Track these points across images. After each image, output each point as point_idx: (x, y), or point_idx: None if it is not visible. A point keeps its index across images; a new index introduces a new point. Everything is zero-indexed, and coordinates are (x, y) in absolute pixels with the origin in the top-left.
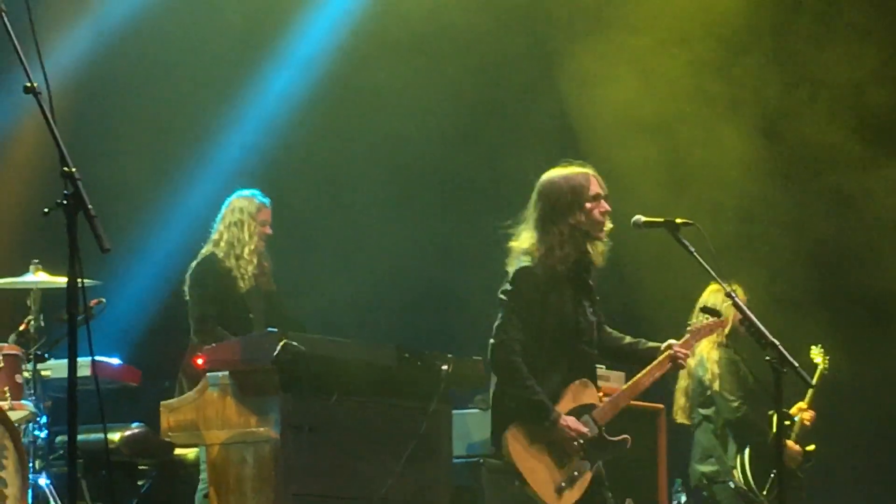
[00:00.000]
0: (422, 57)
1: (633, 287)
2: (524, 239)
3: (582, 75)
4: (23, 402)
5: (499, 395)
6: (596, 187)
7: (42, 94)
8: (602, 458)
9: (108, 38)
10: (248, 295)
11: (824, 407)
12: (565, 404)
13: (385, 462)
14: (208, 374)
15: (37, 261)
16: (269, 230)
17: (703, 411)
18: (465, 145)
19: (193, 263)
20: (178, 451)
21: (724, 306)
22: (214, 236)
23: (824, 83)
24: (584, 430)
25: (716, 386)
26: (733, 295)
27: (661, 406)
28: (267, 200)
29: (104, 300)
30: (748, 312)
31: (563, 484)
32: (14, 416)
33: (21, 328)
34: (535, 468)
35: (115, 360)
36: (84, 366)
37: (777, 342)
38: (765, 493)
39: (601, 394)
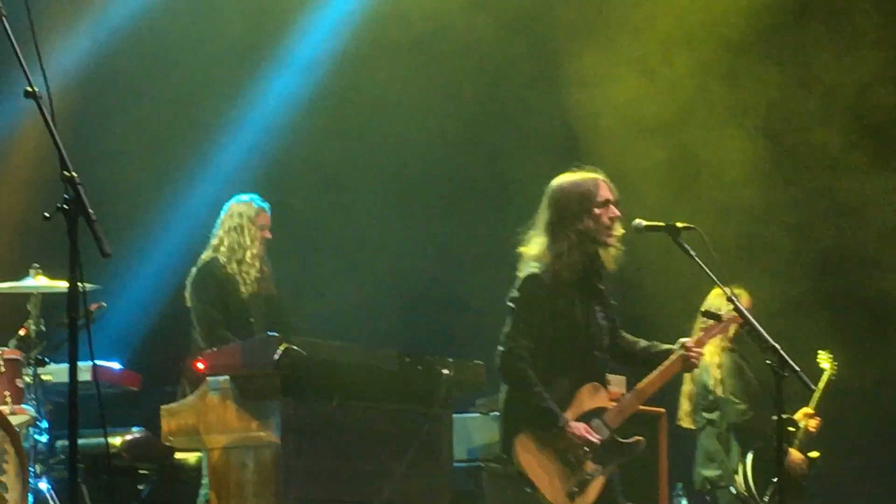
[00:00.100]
0: (423, 58)
1: (634, 288)
2: (534, 244)
3: (584, 77)
4: (23, 406)
5: (508, 402)
6: (605, 193)
7: (42, 98)
8: (615, 461)
9: (108, 41)
10: (250, 299)
11: (827, 411)
12: (575, 409)
13: (386, 466)
14: (209, 378)
15: (37, 265)
16: (268, 234)
17: (707, 415)
18: (467, 147)
19: (194, 269)
20: (178, 455)
21: (726, 310)
22: (214, 241)
23: (828, 86)
24: (592, 437)
25: (720, 391)
26: (734, 299)
27: (662, 410)
28: (266, 205)
29: (105, 304)
30: (749, 316)
31: (575, 489)
32: (15, 420)
33: (21, 332)
34: (546, 475)
35: (116, 365)
36: (84, 370)
37: (778, 346)
38: (766, 499)
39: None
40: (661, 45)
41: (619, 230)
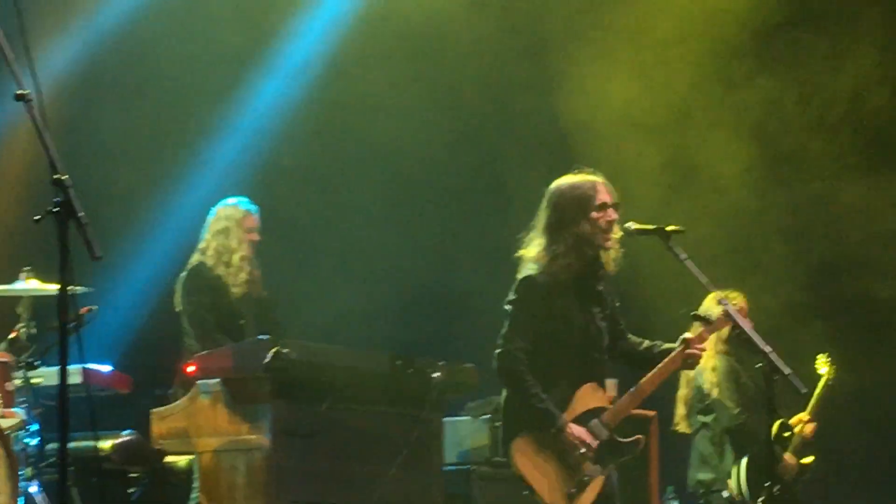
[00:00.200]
0: (417, 61)
1: (633, 290)
2: (533, 246)
3: (580, 79)
4: (14, 409)
5: (507, 404)
6: (604, 196)
7: (33, 101)
8: (614, 460)
9: (99, 44)
10: (240, 302)
11: (822, 416)
12: (574, 410)
13: (377, 469)
14: (200, 381)
15: (28, 268)
16: (256, 237)
17: (702, 418)
18: (463, 149)
19: (183, 274)
20: (169, 458)
21: (717, 313)
22: (201, 245)
23: (824, 90)
24: (589, 439)
25: (715, 393)
26: (725, 302)
27: (652, 413)
28: (254, 208)
29: (95, 307)
30: (740, 320)
31: (574, 490)
32: (5, 423)
33: (12, 336)
34: (544, 477)
35: (106, 368)
36: (75, 373)
37: (768, 349)
38: (759, 503)
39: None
40: (656, 47)
41: (616, 233)
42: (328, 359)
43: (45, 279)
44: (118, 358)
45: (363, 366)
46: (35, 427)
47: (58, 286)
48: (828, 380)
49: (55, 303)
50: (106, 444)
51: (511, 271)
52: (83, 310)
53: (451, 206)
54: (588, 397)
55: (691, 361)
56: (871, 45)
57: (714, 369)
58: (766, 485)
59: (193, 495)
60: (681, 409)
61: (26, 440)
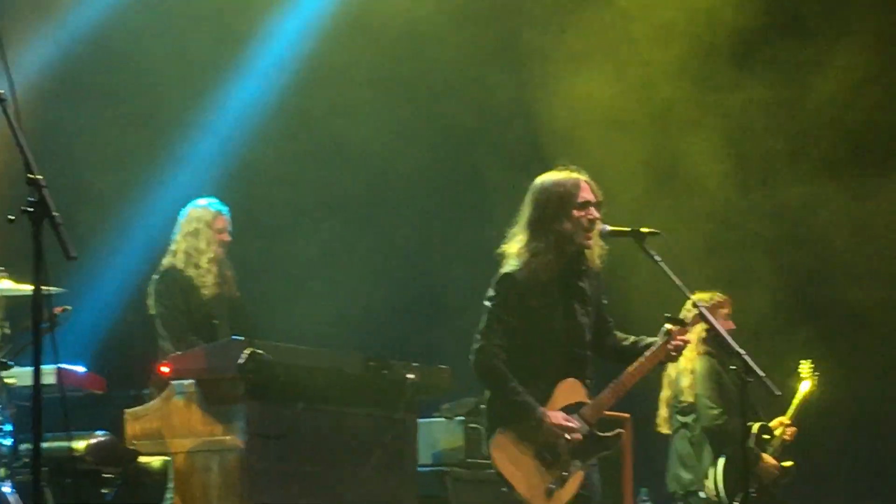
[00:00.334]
0: (395, 61)
1: (618, 287)
2: (514, 242)
3: (559, 77)
4: None
5: (488, 402)
6: (586, 194)
7: (7, 102)
8: (594, 454)
9: (75, 45)
10: (211, 302)
11: (802, 420)
12: (555, 405)
13: (351, 471)
14: (174, 382)
15: (2, 268)
16: (227, 237)
17: (681, 418)
18: (441, 149)
19: (154, 277)
20: (143, 459)
21: (691, 315)
22: (172, 247)
23: (808, 91)
24: (572, 424)
25: (697, 390)
26: (699, 304)
27: (626, 415)
28: (224, 208)
29: (69, 308)
30: (714, 322)
31: (552, 486)
32: None
33: None
34: (522, 473)
35: (81, 368)
36: (49, 373)
37: (742, 351)
38: None
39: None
40: (637, 47)
41: (597, 231)
42: (302, 360)
43: (18, 279)
44: (92, 358)
45: (337, 367)
46: (9, 427)
47: (32, 286)
48: (810, 386)
49: (29, 303)
50: (80, 445)
51: (488, 272)
52: (57, 310)
53: (428, 208)
54: (568, 392)
55: (674, 354)
56: (856, 49)
57: (694, 371)
58: (743, 486)
59: (167, 496)
60: (663, 411)
61: None
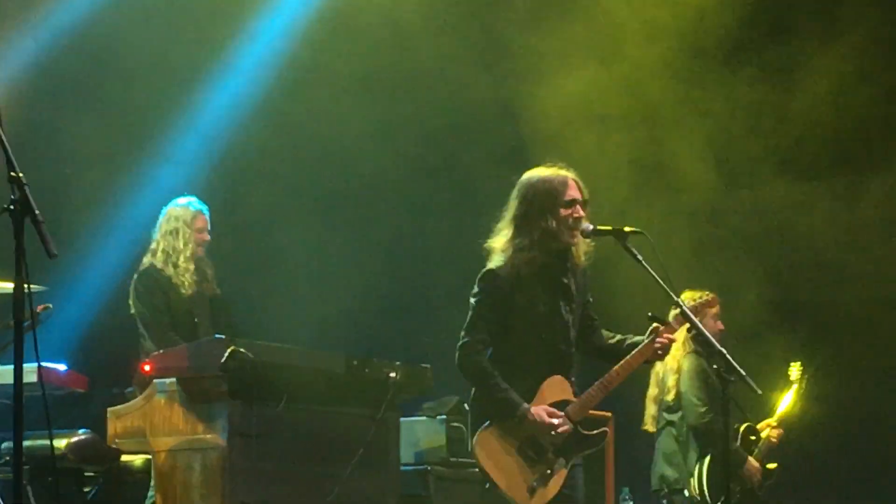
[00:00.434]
0: (377, 59)
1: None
2: (499, 237)
3: (540, 74)
4: None
5: (472, 399)
6: (573, 192)
7: None
8: (578, 453)
9: (57, 42)
10: (191, 300)
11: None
12: (538, 402)
13: (333, 469)
14: (156, 380)
15: None
16: (206, 236)
17: (667, 416)
18: (423, 148)
19: (135, 276)
20: (125, 457)
21: (673, 314)
22: (152, 246)
23: (796, 88)
24: (555, 420)
25: (684, 388)
26: (681, 303)
27: (608, 414)
28: (204, 207)
29: (51, 306)
30: (695, 320)
31: (535, 483)
32: None
33: None
34: (505, 470)
35: (62, 367)
36: (30, 372)
37: (724, 350)
38: None
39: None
40: (620, 43)
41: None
42: (284, 359)
43: None
44: (74, 356)
45: (319, 366)
46: None
47: (13, 284)
48: (798, 388)
49: (10, 301)
50: (61, 443)
51: (470, 271)
52: (39, 308)
53: (410, 206)
54: (554, 389)
55: (660, 352)
56: (842, 50)
57: (681, 369)
58: (725, 486)
59: (149, 494)
60: (651, 409)
61: None
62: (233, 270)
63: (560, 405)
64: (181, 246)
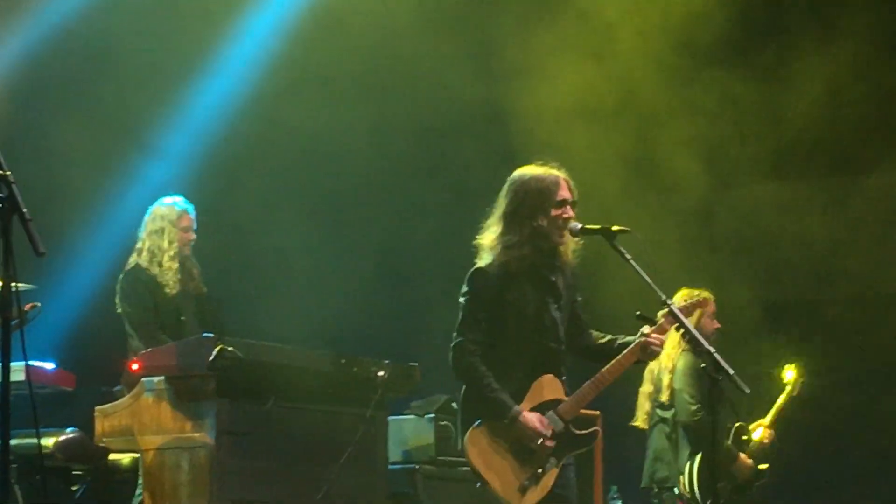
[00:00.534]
0: (366, 58)
1: (599, 285)
2: (488, 234)
3: (531, 72)
4: None
5: (463, 397)
6: (564, 192)
7: None
8: (569, 452)
9: (45, 41)
10: (177, 299)
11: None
12: (530, 401)
13: (321, 468)
14: (144, 379)
15: None
16: (192, 236)
17: (660, 413)
18: (411, 146)
19: (120, 276)
20: (113, 456)
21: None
22: (138, 245)
23: (789, 86)
24: (543, 428)
25: (677, 385)
26: (669, 303)
27: (597, 413)
28: (190, 206)
29: (39, 304)
30: (684, 321)
31: (526, 482)
32: None
33: None
34: (496, 469)
35: (50, 365)
36: (18, 370)
37: (712, 349)
38: (709, 503)
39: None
40: (611, 41)
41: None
42: (272, 357)
43: None
44: (62, 355)
45: (307, 364)
46: None
47: (0, 283)
48: (792, 389)
49: None
50: (49, 442)
51: (459, 270)
52: (26, 306)
53: (401, 206)
54: (545, 388)
55: (651, 353)
56: (835, 48)
57: (675, 367)
58: (712, 484)
59: (137, 492)
60: (644, 405)
61: None
62: (222, 269)
63: (552, 404)
64: (166, 245)
